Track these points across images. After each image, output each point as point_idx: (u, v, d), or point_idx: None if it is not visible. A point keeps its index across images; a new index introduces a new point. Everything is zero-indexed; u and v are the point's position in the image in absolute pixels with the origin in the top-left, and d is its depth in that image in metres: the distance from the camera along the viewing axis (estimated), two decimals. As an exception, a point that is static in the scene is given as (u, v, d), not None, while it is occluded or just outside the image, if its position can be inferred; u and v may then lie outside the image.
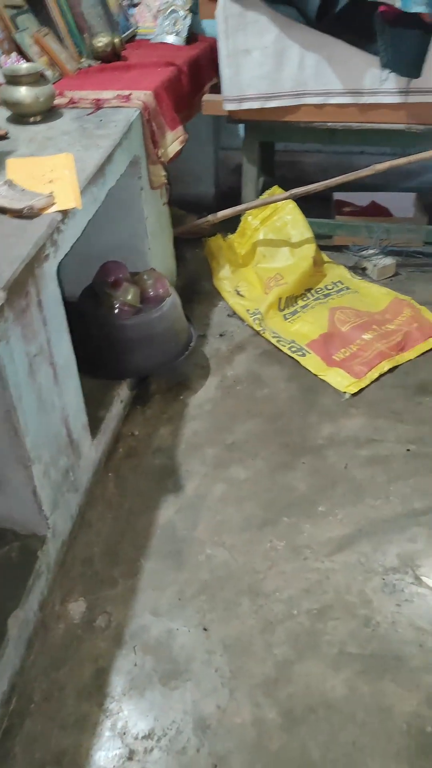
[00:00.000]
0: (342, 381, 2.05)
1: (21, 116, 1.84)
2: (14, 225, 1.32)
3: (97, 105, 1.93)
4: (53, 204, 1.38)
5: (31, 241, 1.27)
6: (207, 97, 2.40)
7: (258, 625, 1.43)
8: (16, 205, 1.35)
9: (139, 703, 1.31)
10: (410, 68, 2.08)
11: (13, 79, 1.80)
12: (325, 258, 2.60)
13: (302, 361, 2.14)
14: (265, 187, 2.62)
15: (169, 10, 2.58)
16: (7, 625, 1.30)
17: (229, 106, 2.30)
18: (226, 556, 1.57)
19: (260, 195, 2.58)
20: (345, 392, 2.02)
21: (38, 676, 1.35)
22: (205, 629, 1.42)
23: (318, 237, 2.54)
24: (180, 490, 1.75)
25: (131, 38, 2.64)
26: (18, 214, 1.34)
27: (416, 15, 1.94)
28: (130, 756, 1.23)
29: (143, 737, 1.25)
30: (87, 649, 1.40)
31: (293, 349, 2.18)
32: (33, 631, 1.40)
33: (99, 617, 1.46)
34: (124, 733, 1.26)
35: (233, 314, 2.41)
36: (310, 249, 2.48)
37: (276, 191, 2.52)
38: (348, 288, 2.46)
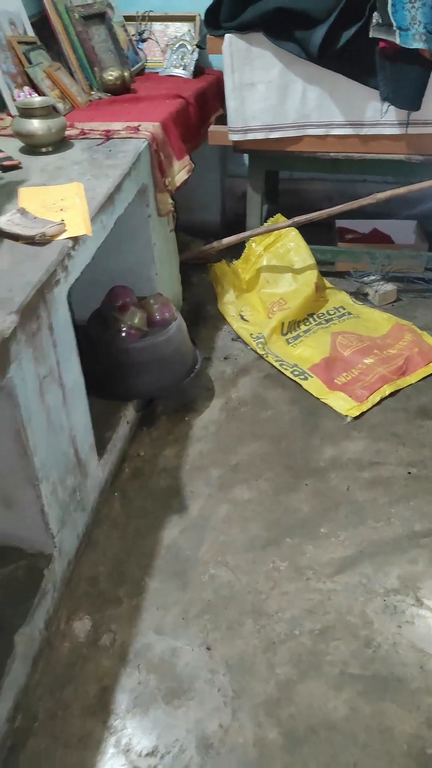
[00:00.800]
0: (344, 404, 2.08)
1: (33, 147, 1.91)
2: (27, 251, 1.37)
3: (107, 136, 2.00)
4: (64, 231, 1.43)
5: (42, 266, 1.32)
6: (213, 128, 2.47)
7: (261, 645, 1.44)
8: (29, 232, 1.40)
9: (142, 721, 1.32)
10: (410, 102, 2.15)
11: (27, 112, 1.87)
12: (327, 284, 2.65)
13: (304, 384, 2.17)
14: (269, 214, 2.69)
15: (177, 45, 2.67)
16: (13, 642, 1.32)
17: (235, 137, 2.37)
18: (229, 577, 1.59)
19: (264, 222, 2.64)
20: (347, 415, 2.05)
21: (43, 695, 1.37)
22: (208, 648, 1.44)
23: (320, 263, 2.60)
24: (185, 511, 1.77)
25: (140, 71, 2.73)
26: (30, 240, 1.39)
27: (415, 51, 2.01)
28: (134, 774, 1.24)
29: (147, 755, 1.27)
30: (92, 668, 1.42)
31: (296, 373, 2.21)
32: (38, 650, 1.41)
33: (104, 636, 1.47)
34: (128, 750, 1.27)
35: (237, 338, 2.45)
36: (313, 275, 2.53)
37: (279, 219, 2.58)
38: (350, 313, 2.50)
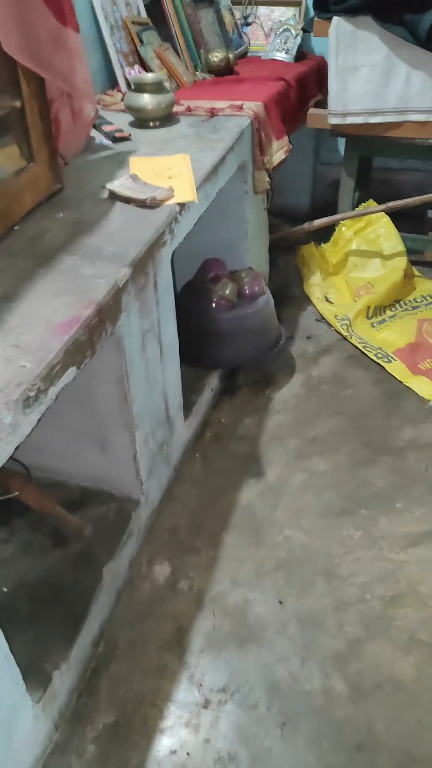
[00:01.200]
0: (427, 389, 2.09)
1: (142, 121, 2.01)
2: (138, 213, 1.46)
3: (212, 113, 2.07)
4: (172, 197, 1.52)
5: (152, 228, 1.41)
6: (312, 111, 2.51)
7: (331, 605, 1.49)
8: (140, 195, 1.49)
9: (215, 660, 1.40)
10: None
11: (139, 87, 1.96)
12: (416, 272, 2.65)
13: (388, 367, 2.19)
14: (360, 201, 2.70)
15: (281, 29, 2.72)
16: (101, 574, 1.43)
17: (334, 120, 2.40)
18: (303, 539, 1.65)
19: (355, 208, 2.66)
20: (429, 400, 2.06)
21: (124, 626, 1.47)
22: (280, 602, 1.50)
23: (410, 252, 2.60)
24: (262, 476, 1.84)
25: (243, 54, 2.80)
26: (142, 203, 1.48)
27: None
28: (205, 705, 1.32)
29: (218, 690, 1.34)
30: (169, 608, 1.51)
31: (379, 356, 2.24)
32: (122, 586, 1.52)
33: (181, 581, 1.56)
34: (201, 685, 1.36)
35: (321, 319, 2.49)
36: (402, 262, 2.53)
37: (371, 204, 2.60)
38: (437, 302, 2.50)
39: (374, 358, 2.24)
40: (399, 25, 2.15)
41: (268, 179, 2.19)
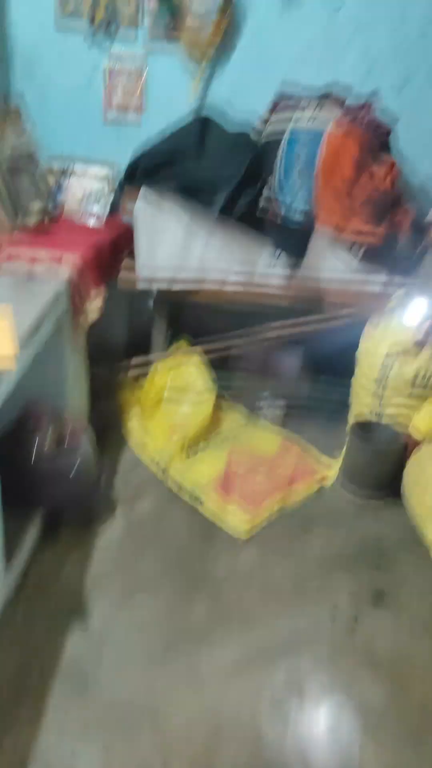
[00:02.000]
0: (236, 521, 2.28)
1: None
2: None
3: (32, 265, 2.21)
4: (-8, 359, 1.60)
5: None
6: (122, 275, 2.73)
7: (157, 749, 1.53)
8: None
9: None
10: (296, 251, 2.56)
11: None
12: (225, 404, 2.92)
13: (200, 508, 2.36)
14: (174, 337, 2.96)
15: (91, 196, 3.00)
16: None
17: (142, 285, 2.69)
18: (128, 683, 1.68)
19: (169, 345, 2.92)
20: (238, 537, 2.24)
21: None
22: (107, 753, 1.50)
23: (218, 387, 2.87)
24: (86, 622, 1.86)
25: (57, 216, 3.01)
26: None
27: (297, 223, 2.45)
28: None
29: None
30: (-9, 776, 1.44)
31: (193, 497, 2.40)
32: None
33: (5, 738, 1.51)
34: None
35: (139, 459, 2.62)
36: (212, 398, 2.79)
37: (183, 345, 2.87)
38: (243, 433, 2.77)
39: (188, 501, 2.39)
40: (197, 200, 2.51)
41: (85, 324, 2.35)
